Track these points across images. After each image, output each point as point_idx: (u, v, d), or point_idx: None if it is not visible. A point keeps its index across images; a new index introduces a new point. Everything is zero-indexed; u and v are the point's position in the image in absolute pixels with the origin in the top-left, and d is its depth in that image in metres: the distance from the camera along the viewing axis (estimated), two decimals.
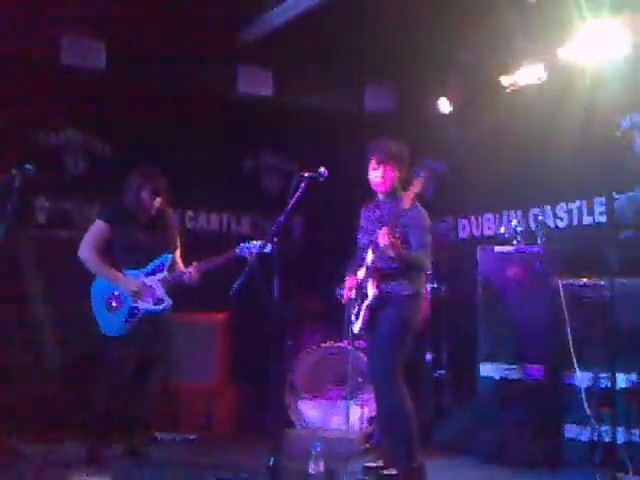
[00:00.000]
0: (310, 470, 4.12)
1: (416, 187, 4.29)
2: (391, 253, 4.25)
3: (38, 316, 5.95)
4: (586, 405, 4.61)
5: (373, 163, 4.55)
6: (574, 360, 4.70)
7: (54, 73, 5.96)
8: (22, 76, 5.82)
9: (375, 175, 4.56)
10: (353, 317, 4.60)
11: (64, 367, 5.90)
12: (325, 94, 6.92)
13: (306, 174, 4.32)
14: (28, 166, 4.27)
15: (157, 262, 4.86)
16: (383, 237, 4.18)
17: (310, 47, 6.16)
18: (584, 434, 4.62)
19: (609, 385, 4.03)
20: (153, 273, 4.84)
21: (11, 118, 5.80)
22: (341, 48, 6.18)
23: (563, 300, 4.83)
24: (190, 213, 6.87)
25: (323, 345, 5.61)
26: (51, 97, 5.97)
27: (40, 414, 5.42)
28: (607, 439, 4.37)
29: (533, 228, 5.92)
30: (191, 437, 5.74)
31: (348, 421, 5.25)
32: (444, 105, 6.44)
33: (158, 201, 4.90)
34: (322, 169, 4.31)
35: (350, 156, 5.12)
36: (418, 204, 4.47)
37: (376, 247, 4.36)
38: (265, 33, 5.95)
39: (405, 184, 4.59)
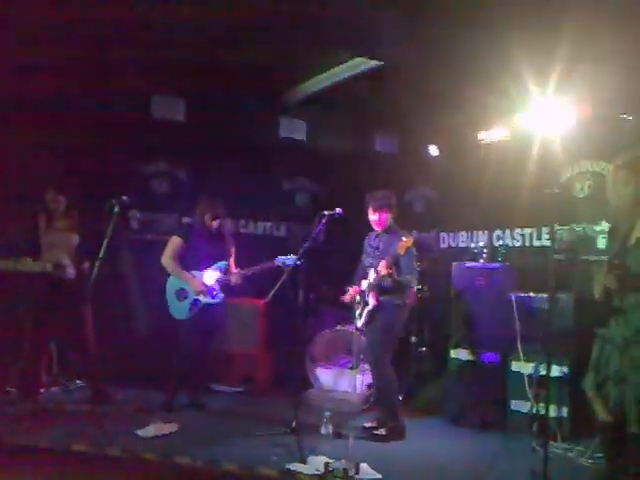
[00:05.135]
0: (322, 431, 4.10)
1: (409, 241, 4.22)
2: (387, 278, 4.26)
3: (133, 296, 5.98)
4: (527, 387, 4.56)
5: (371, 210, 4.51)
6: (520, 353, 4.64)
7: (148, 123, 6.03)
8: (126, 126, 5.87)
9: (373, 218, 4.52)
10: (357, 315, 4.59)
11: (148, 334, 5.88)
12: (345, 139, 6.85)
13: (326, 213, 4.30)
14: (125, 198, 4.24)
15: (215, 267, 4.88)
16: (383, 267, 4.20)
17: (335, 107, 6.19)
18: (525, 408, 4.56)
19: (545, 373, 3.90)
20: (212, 275, 4.86)
21: (121, 156, 5.91)
22: (358, 108, 6.22)
23: (514, 307, 4.75)
24: (242, 221, 6.83)
25: (336, 327, 5.56)
26: (147, 140, 6.03)
27: (130, 368, 5.38)
28: (542, 413, 4.29)
29: (496, 244, 5.85)
30: (239, 389, 5.75)
31: (353, 385, 5.25)
32: (434, 150, 6.36)
33: (217, 222, 4.90)
34: (338, 210, 4.28)
35: (364, 187, 5.00)
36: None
37: (377, 272, 4.34)
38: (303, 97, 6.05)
39: (396, 218, 4.55)
